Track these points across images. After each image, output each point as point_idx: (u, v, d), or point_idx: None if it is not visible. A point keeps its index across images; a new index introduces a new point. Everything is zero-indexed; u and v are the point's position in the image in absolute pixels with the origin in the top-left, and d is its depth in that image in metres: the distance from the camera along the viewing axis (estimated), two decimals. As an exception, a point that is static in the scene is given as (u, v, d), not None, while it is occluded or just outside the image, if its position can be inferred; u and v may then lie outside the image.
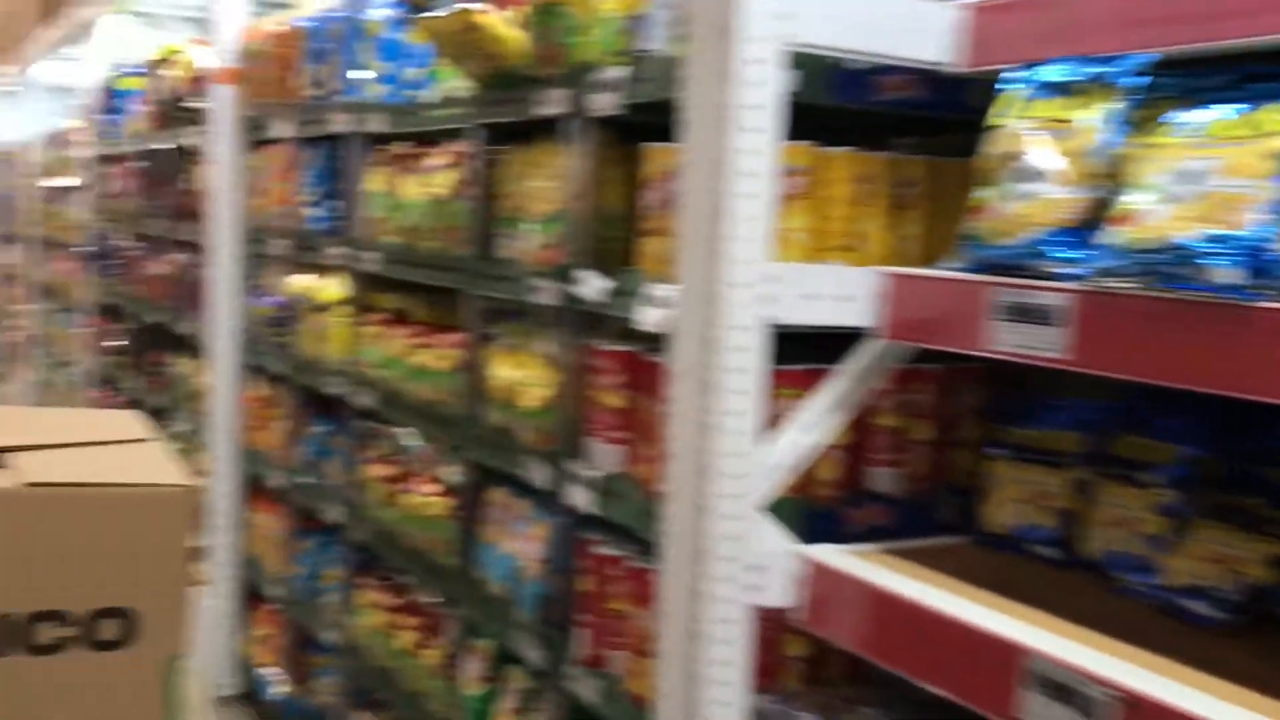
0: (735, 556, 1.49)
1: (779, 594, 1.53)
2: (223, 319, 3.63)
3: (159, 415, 4.80)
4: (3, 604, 1.14)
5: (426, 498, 2.60)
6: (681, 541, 1.53)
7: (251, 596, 3.71)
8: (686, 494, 1.52)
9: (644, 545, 1.80)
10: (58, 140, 6.87)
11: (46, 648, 1.16)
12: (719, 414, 1.48)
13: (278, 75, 3.24)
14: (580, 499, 1.95)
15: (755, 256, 1.47)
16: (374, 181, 2.80)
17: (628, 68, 1.82)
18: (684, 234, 1.54)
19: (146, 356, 4.82)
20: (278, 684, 3.47)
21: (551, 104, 2.01)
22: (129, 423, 1.45)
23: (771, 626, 1.61)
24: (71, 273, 6.42)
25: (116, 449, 1.32)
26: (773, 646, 1.65)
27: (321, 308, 3.05)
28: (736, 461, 1.49)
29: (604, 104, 1.88)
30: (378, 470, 2.82)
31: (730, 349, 1.47)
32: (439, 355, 2.55)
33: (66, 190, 6.57)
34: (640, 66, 1.79)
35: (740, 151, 1.45)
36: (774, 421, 1.54)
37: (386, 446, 2.82)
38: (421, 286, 2.74)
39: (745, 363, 1.48)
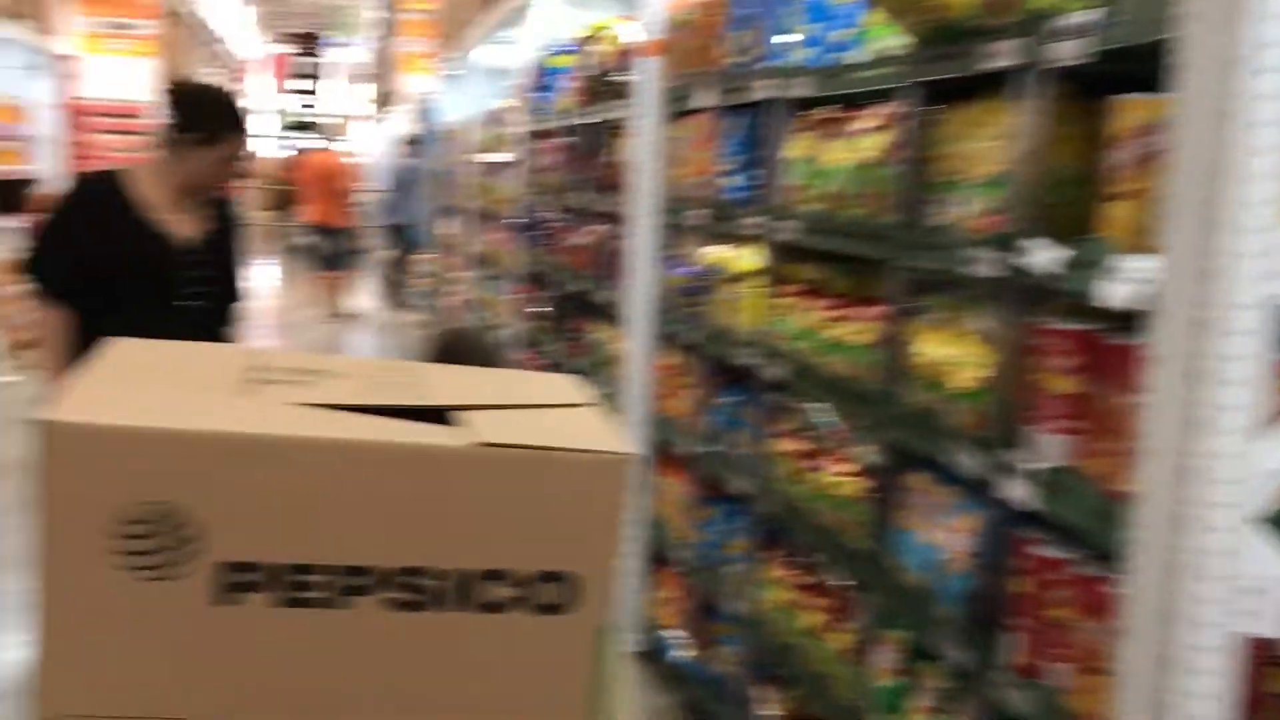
0: (1223, 575, 1.28)
1: (1276, 622, 1.29)
2: (639, 288, 3.71)
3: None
4: (457, 560, 1.16)
5: (838, 476, 2.51)
6: (1153, 553, 1.34)
7: (657, 559, 3.80)
8: (1162, 499, 1.32)
9: (1095, 550, 1.61)
10: (494, 119, 7.41)
11: (493, 605, 1.17)
12: (1210, 408, 1.26)
13: (701, 44, 3.25)
14: (1018, 492, 1.77)
15: (1267, 223, 1.24)
16: (795, 148, 2.73)
17: (1098, 10, 1.61)
18: (1173, 197, 1.33)
19: (567, 323, 5.08)
20: (680, 647, 3.53)
21: (1001, 56, 1.83)
22: (569, 387, 1.45)
23: (1257, 658, 1.37)
24: (502, 242, 6.92)
25: (559, 412, 1.33)
26: (1256, 680, 1.41)
27: (736, 278, 3.04)
28: (1229, 464, 1.27)
29: (1065, 53, 1.68)
30: (787, 444, 2.76)
31: (1228, 332, 1.25)
32: (858, 329, 2.45)
33: (500, 166, 7.07)
34: (1115, 8, 1.58)
35: (1254, 98, 1.22)
36: (1277, 419, 1.30)
37: (798, 421, 2.76)
38: (840, 256, 2.64)
39: (1246, 349, 1.26)
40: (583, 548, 1.18)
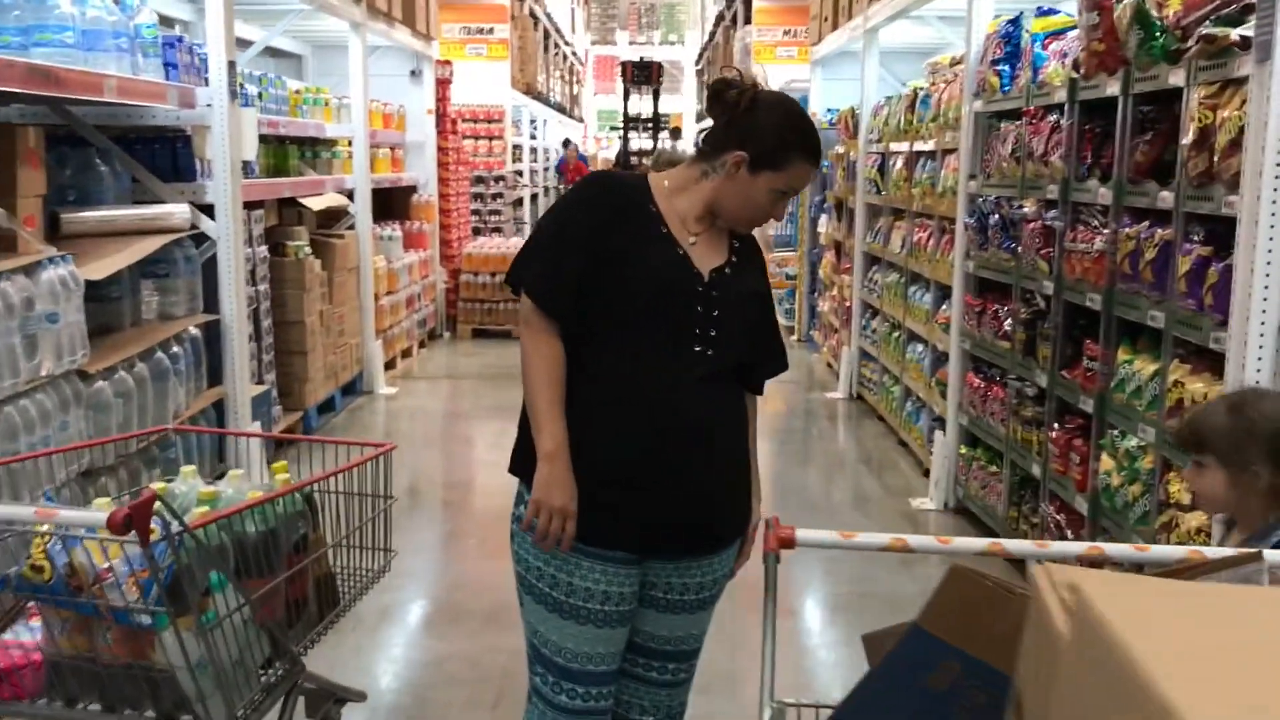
0: None
1: None
2: (1256, 312, 2.69)
3: (1070, 413, 4.05)
4: None
5: None
6: None
7: None
8: None
9: None
10: (908, 101, 6.48)
11: None
12: None
13: None
14: None
15: None
16: None
17: None
18: None
19: (1061, 345, 4.08)
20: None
21: None
22: None
23: None
24: (926, 242, 5.99)
25: None
26: None
27: None
28: None
29: None
30: None
31: None
32: None
33: (923, 155, 6.14)
34: None
35: None
36: None
37: None
38: None
39: None
40: None
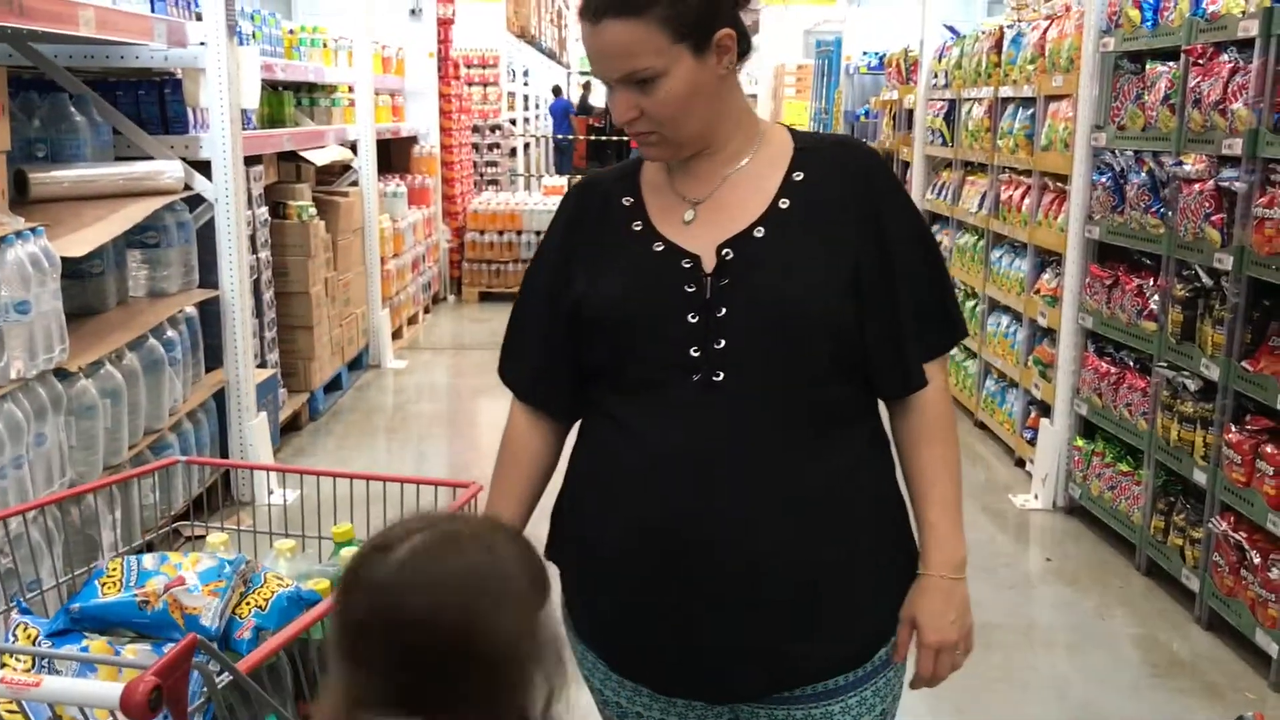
0: None
1: None
2: None
3: (1255, 413, 3.39)
4: None
5: None
6: None
7: None
8: None
9: None
10: (993, 41, 5.74)
11: None
12: None
13: None
14: None
15: None
16: None
17: None
18: None
19: (1241, 331, 3.41)
20: None
21: None
22: None
23: None
24: (1019, 201, 5.28)
25: None
26: None
27: None
28: None
29: None
30: None
31: None
32: None
33: (1011, 101, 5.42)
34: None
35: None
36: None
37: None
38: None
39: None
40: None
